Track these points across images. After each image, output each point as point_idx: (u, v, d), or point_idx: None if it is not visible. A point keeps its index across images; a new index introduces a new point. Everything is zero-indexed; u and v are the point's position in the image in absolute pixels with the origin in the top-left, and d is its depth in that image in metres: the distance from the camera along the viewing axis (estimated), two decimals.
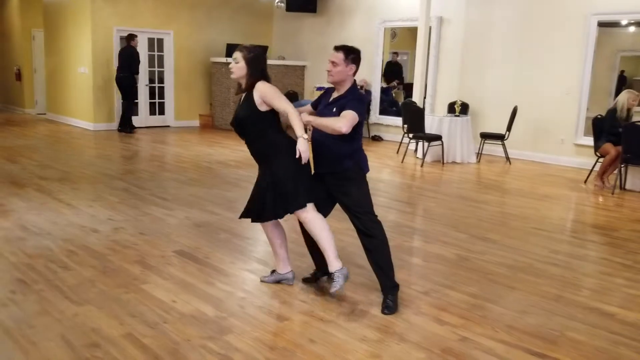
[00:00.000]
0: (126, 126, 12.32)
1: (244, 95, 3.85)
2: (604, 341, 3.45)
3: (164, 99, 13.50)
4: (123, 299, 3.79)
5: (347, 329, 3.47)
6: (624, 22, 9.82)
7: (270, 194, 3.80)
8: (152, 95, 13.36)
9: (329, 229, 3.85)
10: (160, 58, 13.31)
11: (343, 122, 3.64)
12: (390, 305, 3.77)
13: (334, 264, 3.80)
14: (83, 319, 3.48)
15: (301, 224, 3.96)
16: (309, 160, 3.71)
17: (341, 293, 3.94)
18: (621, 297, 4.18)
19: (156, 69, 13.32)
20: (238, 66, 3.76)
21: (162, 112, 13.51)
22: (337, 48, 3.84)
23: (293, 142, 3.68)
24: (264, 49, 13.63)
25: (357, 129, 3.76)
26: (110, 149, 10.21)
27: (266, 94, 3.70)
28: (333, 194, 3.92)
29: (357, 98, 3.82)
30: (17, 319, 3.44)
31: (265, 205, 3.83)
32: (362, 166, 3.91)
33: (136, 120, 13.06)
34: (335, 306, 3.79)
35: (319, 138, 3.85)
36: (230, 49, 13.32)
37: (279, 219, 3.96)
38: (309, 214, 3.82)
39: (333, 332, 3.42)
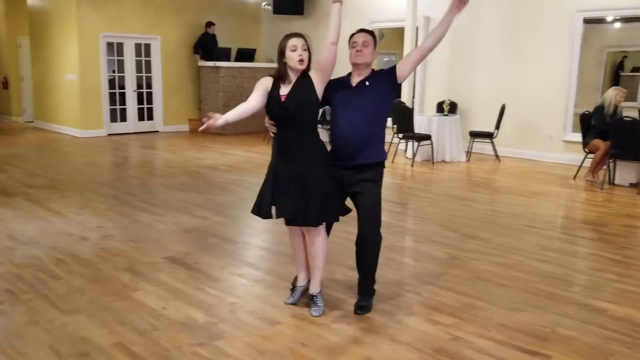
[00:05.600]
0: None
1: (295, 81, 3.47)
2: (595, 337, 3.46)
3: (152, 104, 13.44)
4: (113, 307, 3.76)
5: (338, 332, 3.46)
6: (609, 19, 9.89)
7: (316, 198, 3.48)
8: (140, 100, 13.31)
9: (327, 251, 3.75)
10: (148, 63, 13.25)
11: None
12: (364, 305, 3.75)
13: (317, 286, 3.75)
14: (72, 328, 3.45)
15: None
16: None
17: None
18: (612, 292, 4.19)
19: (144, 74, 13.26)
20: (306, 53, 3.47)
21: (150, 118, 13.46)
22: (365, 31, 3.71)
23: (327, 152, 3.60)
24: (254, 50, 13.78)
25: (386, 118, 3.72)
26: (98, 155, 10.15)
27: (322, 63, 3.47)
28: (354, 191, 3.64)
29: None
30: (6, 330, 3.41)
31: (308, 209, 3.46)
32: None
33: (125, 127, 13.02)
34: (327, 309, 3.77)
35: (346, 127, 3.58)
36: (219, 53, 13.29)
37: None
38: (322, 232, 3.64)
39: (325, 335, 3.41)
